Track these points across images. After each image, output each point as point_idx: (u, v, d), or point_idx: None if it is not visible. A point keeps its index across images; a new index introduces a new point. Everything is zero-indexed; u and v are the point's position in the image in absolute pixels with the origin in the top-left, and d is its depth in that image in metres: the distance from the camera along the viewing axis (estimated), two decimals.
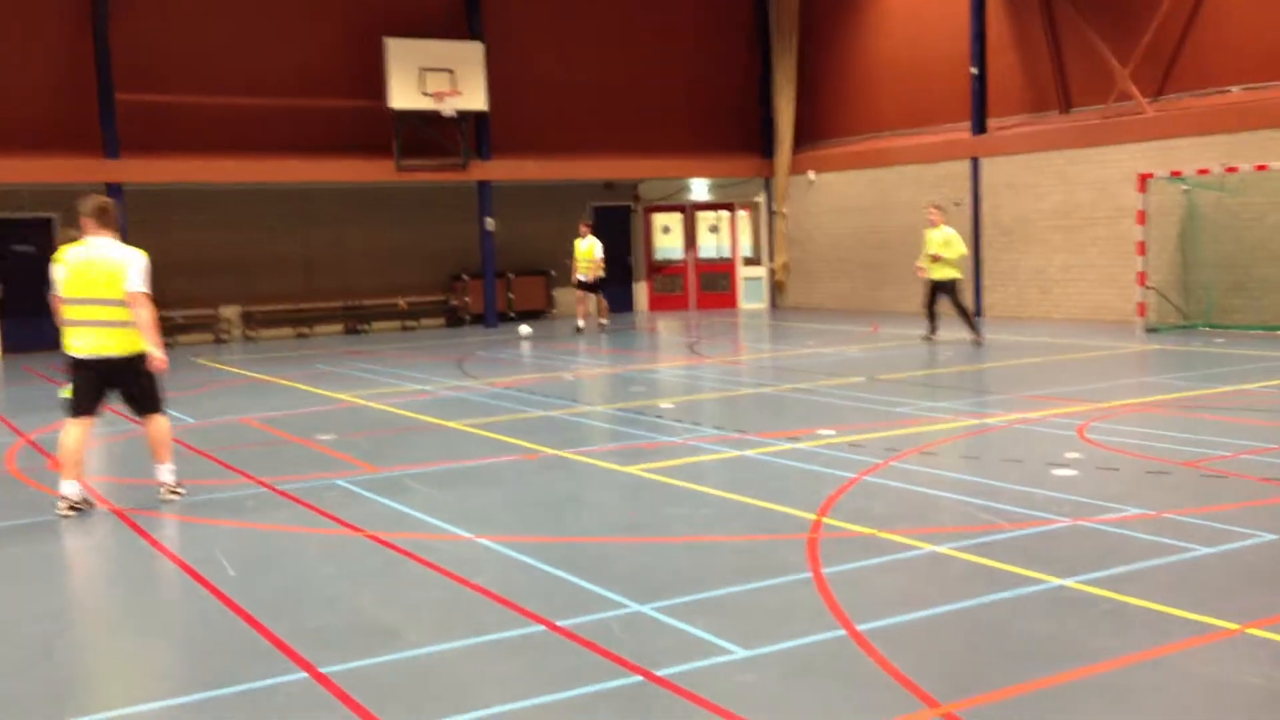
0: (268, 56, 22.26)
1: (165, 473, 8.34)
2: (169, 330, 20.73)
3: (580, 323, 21.79)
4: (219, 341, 22.44)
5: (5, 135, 20.25)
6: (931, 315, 17.29)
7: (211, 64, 21.77)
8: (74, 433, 8.05)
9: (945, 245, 16.70)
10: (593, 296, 21.93)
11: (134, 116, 21.03)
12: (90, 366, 8.04)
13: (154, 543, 7.21)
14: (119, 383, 8.17)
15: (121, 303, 7.95)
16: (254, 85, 22.08)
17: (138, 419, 8.45)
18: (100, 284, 7.94)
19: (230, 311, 22.75)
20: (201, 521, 7.69)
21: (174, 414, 12.86)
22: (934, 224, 16.97)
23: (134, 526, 7.62)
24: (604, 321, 22.04)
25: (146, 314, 7.98)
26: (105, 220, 8.06)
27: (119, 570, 6.94)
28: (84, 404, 8.12)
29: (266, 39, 22.27)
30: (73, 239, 8.25)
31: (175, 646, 5.42)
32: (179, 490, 8.33)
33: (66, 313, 8.01)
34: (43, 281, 8.83)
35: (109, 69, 20.68)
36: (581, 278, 21.86)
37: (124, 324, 7.98)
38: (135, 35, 21.02)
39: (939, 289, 16.99)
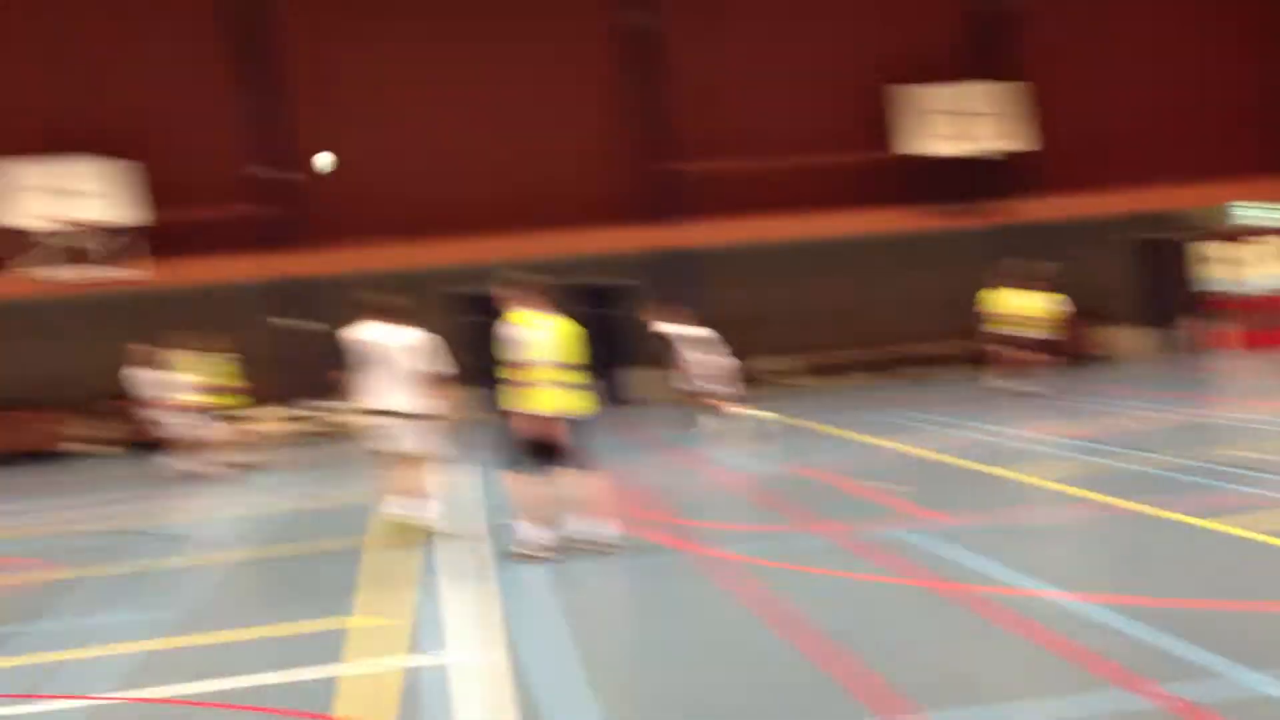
0: (801, 117, 23.47)
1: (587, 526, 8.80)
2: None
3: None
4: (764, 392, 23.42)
5: (590, 209, 22.78)
6: None
7: (753, 130, 23.28)
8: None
9: None
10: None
11: (693, 184, 22.99)
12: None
13: (734, 588, 7.62)
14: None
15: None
16: (789, 146, 23.25)
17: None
18: (569, 348, 8.82)
19: (771, 363, 23.73)
20: (764, 564, 8.05)
21: (731, 465, 13.62)
22: None
23: (707, 571, 8.12)
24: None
25: None
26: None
27: (697, 611, 7.27)
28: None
29: (799, 101, 23.53)
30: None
31: (749, 687, 5.67)
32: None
33: (541, 374, 8.64)
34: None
35: (671, 142, 22.90)
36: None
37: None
38: (685, 109, 23.15)
39: None
